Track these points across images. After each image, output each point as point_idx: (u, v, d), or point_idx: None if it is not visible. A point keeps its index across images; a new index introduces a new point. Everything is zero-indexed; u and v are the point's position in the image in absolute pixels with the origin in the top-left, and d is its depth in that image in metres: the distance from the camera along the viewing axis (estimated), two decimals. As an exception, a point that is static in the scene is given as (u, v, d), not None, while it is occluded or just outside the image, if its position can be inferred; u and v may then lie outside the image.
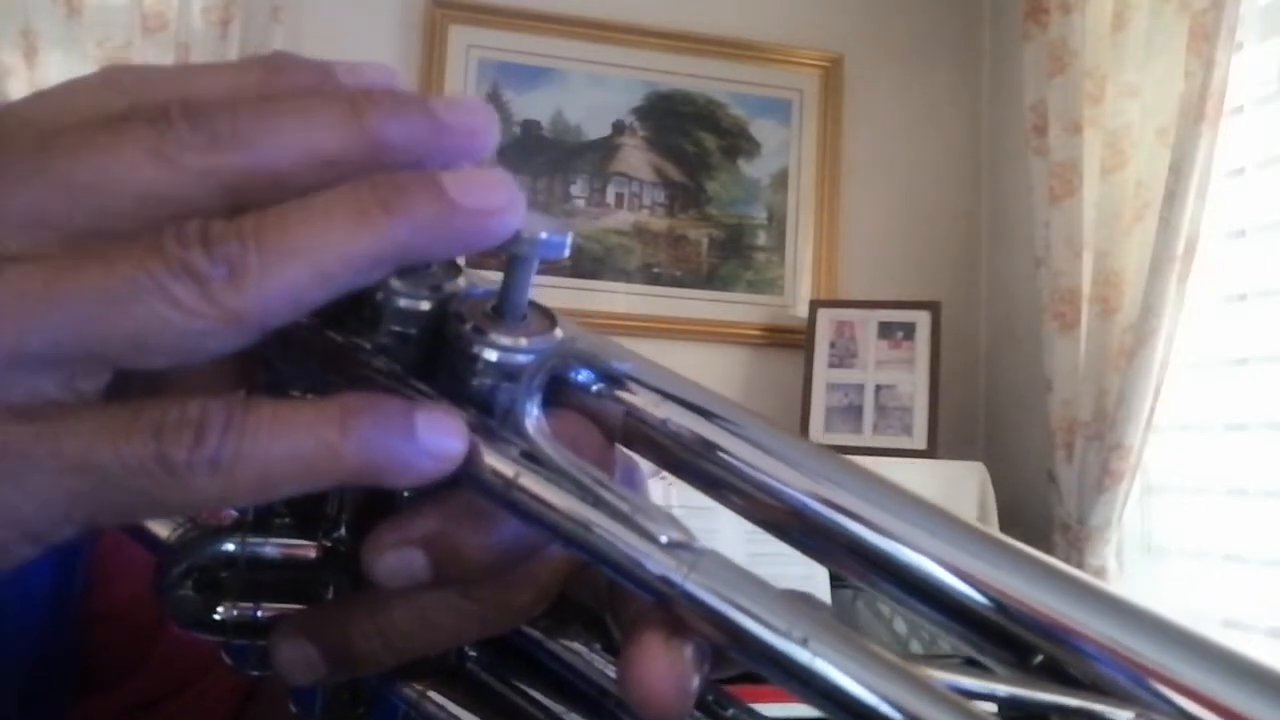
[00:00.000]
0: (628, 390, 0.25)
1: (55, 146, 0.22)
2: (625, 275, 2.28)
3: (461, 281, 0.26)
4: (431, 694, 0.29)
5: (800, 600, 0.21)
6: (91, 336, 0.21)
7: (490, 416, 0.25)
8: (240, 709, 0.56)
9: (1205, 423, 1.81)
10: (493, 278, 0.26)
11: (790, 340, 2.28)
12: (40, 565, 0.52)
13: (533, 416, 0.24)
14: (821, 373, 2.22)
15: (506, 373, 0.25)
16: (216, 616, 0.29)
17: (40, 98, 0.24)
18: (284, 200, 0.22)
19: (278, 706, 0.53)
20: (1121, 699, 0.19)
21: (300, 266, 0.21)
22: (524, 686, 0.30)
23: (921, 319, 2.20)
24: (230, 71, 0.25)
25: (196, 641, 0.55)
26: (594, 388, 0.26)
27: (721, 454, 0.24)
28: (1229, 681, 0.19)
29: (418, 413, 0.23)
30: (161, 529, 0.31)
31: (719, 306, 2.31)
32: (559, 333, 0.26)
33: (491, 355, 0.25)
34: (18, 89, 1.93)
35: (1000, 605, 0.21)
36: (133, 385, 0.22)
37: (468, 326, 0.25)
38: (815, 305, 2.28)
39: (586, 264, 2.25)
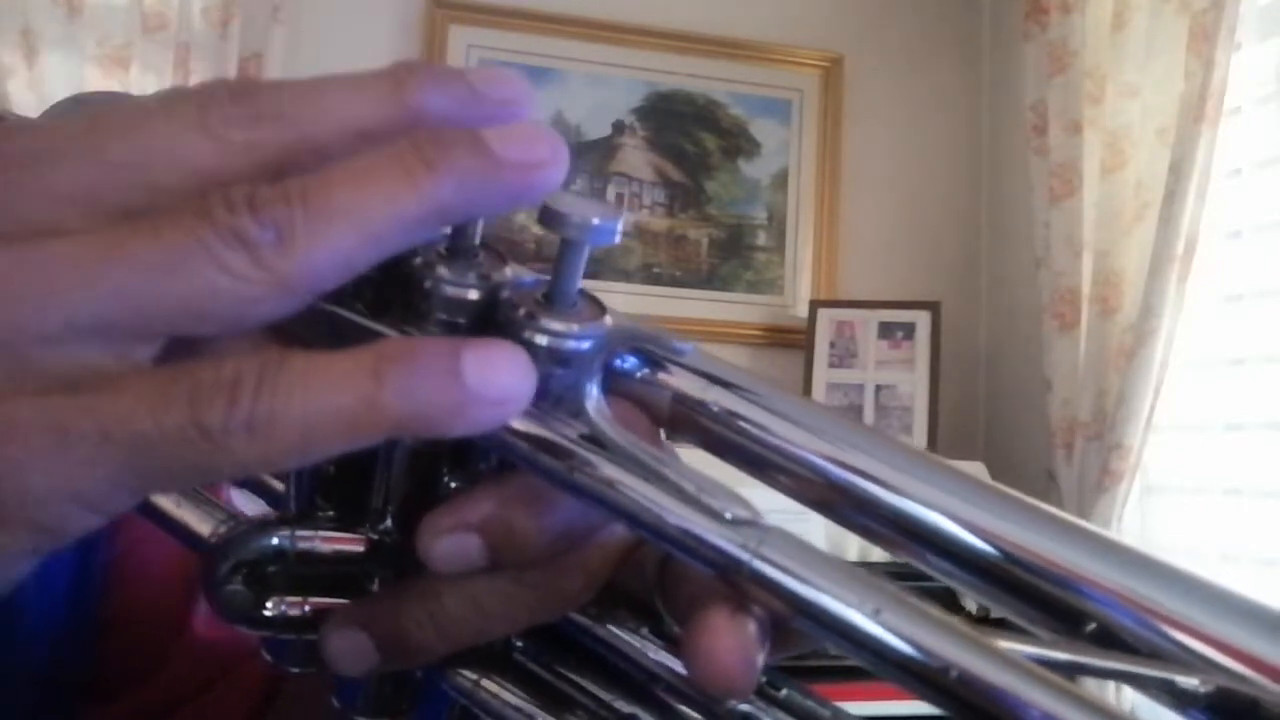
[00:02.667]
0: (674, 375, 0.26)
1: (106, 125, 0.22)
2: (625, 275, 2.28)
3: (509, 271, 0.26)
4: (485, 682, 0.29)
5: (869, 574, 0.22)
6: (142, 305, 0.21)
7: (545, 402, 0.25)
8: (257, 716, 0.55)
9: (1204, 423, 1.81)
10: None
11: (790, 340, 2.29)
12: (57, 568, 0.52)
13: (593, 398, 0.24)
14: (821, 373, 2.22)
15: (560, 358, 0.25)
16: (266, 612, 0.29)
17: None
18: None
19: (297, 713, 0.53)
20: (1180, 665, 0.20)
21: (348, 227, 0.21)
22: (572, 675, 0.30)
23: (921, 319, 2.21)
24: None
25: (213, 647, 0.55)
26: (639, 374, 0.26)
27: (768, 435, 0.24)
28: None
29: (465, 352, 0.22)
30: (202, 526, 0.31)
31: (719, 306, 2.31)
32: (609, 319, 0.26)
33: (545, 341, 0.25)
34: (18, 89, 1.92)
35: (1050, 575, 0.21)
36: (184, 357, 0.22)
37: (520, 313, 0.25)
38: (815, 305, 2.28)
39: (587, 264, 2.24)
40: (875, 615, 0.21)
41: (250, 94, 0.23)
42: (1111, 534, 0.22)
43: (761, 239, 2.37)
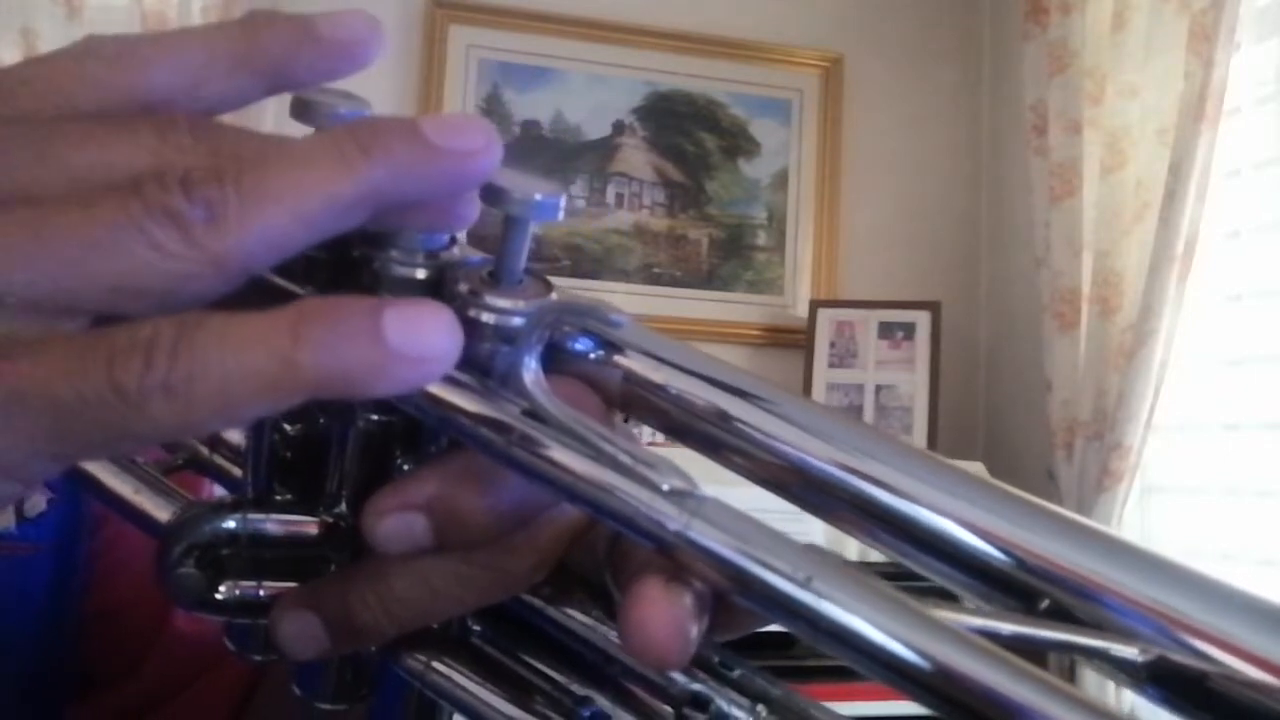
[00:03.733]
0: (626, 356, 0.25)
1: (62, 135, 0.22)
2: (625, 275, 2.28)
3: (457, 251, 0.26)
4: (436, 664, 0.29)
5: (806, 545, 0.21)
6: (72, 281, 0.21)
7: (489, 379, 0.25)
8: (239, 710, 0.55)
9: (1203, 423, 1.81)
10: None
11: (790, 340, 2.28)
12: (39, 562, 0.52)
13: (531, 371, 0.24)
14: (821, 373, 2.22)
15: (504, 336, 0.25)
16: (219, 595, 0.29)
17: (33, 63, 0.24)
18: None
19: (277, 705, 0.53)
20: (1125, 636, 0.20)
21: (280, 209, 0.21)
22: (528, 657, 0.30)
23: (921, 319, 2.21)
24: (208, 39, 0.24)
25: (196, 639, 0.55)
26: (592, 355, 0.26)
27: (722, 416, 0.24)
28: (1230, 616, 0.19)
29: (386, 310, 0.21)
30: (161, 512, 0.31)
31: (719, 306, 2.31)
32: (555, 296, 0.26)
33: (489, 318, 0.25)
34: (18, 88, 1.93)
35: (1006, 552, 0.21)
36: None
37: (464, 289, 0.25)
38: (815, 305, 2.28)
39: (586, 264, 2.25)
40: (807, 583, 0.20)
41: (213, 134, 0.23)
42: (1061, 510, 0.22)
43: (761, 239, 2.36)
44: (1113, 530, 0.21)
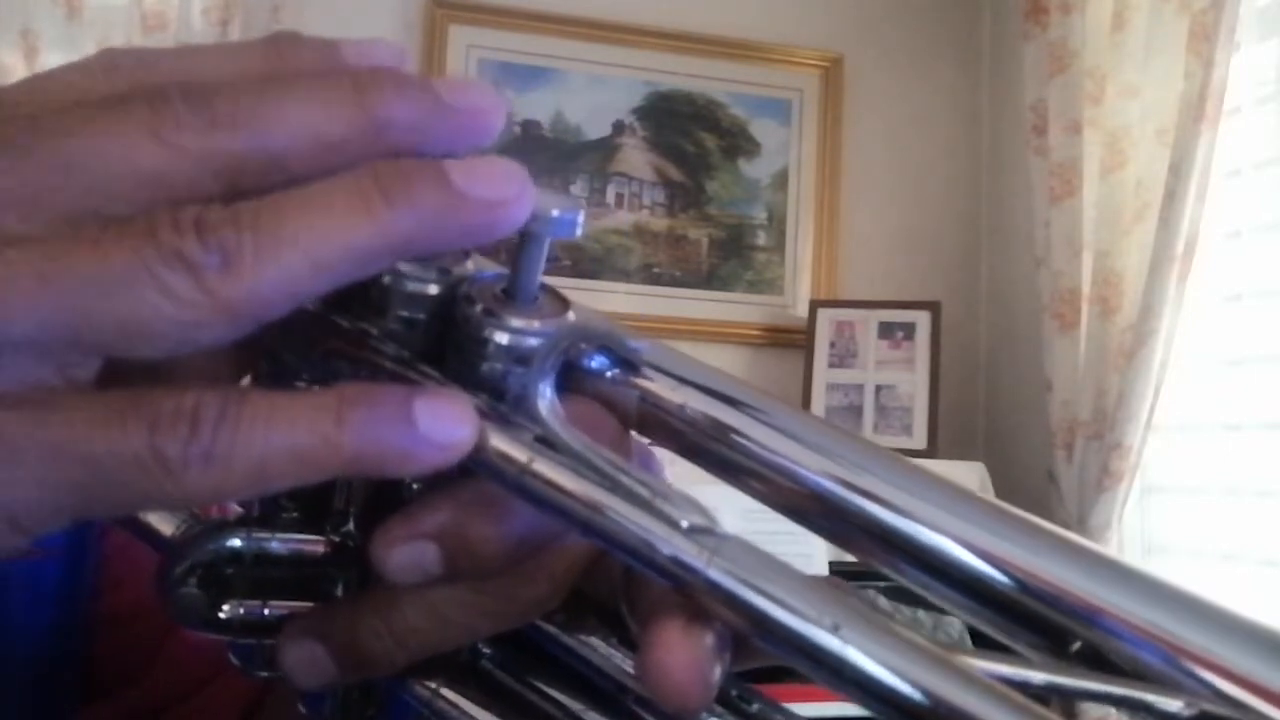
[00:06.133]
0: (643, 376, 0.25)
1: (49, 127, 0.21)
2: (625, 275, 2.27)
3: (470, 265, 0.25)
4: (445, 691, 0.29)
5: (830, 586, 0.21)
6: (82, 323, 0.20)
7: (502, 402, 0.24)
8: (248, 717, 0.55)
9: (1203, 423, 1.81)
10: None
11: (790, 340, 2.28)
12: (48, 567, 0.52)
13: (546, 398, 0.23)
14: (821, 373, 2.22)
15: (518, 356, 0.24)
16: (222, 615, 0.28)
17: (37, 79, 0.23)
18: (285, 184, 0.22)
19: (286, 713, 0.53)
20: (1165, 685, 0.19)
21: (297, 257, 0.21)
22: (539, 684, 0.29)
23: (921, 319, 2.20)
24: (232, 52, 0.24)
25: (204, 646, 0.55)
26: (608, 374, 0.25)
27: (740, 438, 0.23)
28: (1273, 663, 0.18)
29: (417, 401, 0.22)
30: (165, 525, 0.31)
31: (719, 306, 2.30)
32: (572, 316, 0.25)
33: (502, 338, 0.24)
34: (18, 89, 1.92)
35: (1030, 588, 0.21)
36: (130, 373, 0.22)
37: (478, 309, 0.24)
38: (815, 305, 2.27)
39: (586, 264, 2.25)
40: (835, 630, 0.20)
41: (205, 98, 0.22)
42: (1097, 547, 0.21)
43: (761, 239, 2.36)
44: (1155, 572, 0.20)
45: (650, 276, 2.29)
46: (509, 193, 0.22)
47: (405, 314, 0.24)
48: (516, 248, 0.24)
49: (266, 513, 0.29)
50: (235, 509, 0.34)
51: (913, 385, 2.17)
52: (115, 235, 0.20)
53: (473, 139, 0.24)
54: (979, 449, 2.35)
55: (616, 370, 0.25)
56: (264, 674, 0.31)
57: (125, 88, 0.22)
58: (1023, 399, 2.23)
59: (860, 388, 2.20)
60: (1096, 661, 0.20)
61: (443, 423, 0.22)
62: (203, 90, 0.22)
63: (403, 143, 0.23)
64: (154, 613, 0.53)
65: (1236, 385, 1.74)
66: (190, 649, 0.55)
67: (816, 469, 0.23)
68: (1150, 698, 0.19)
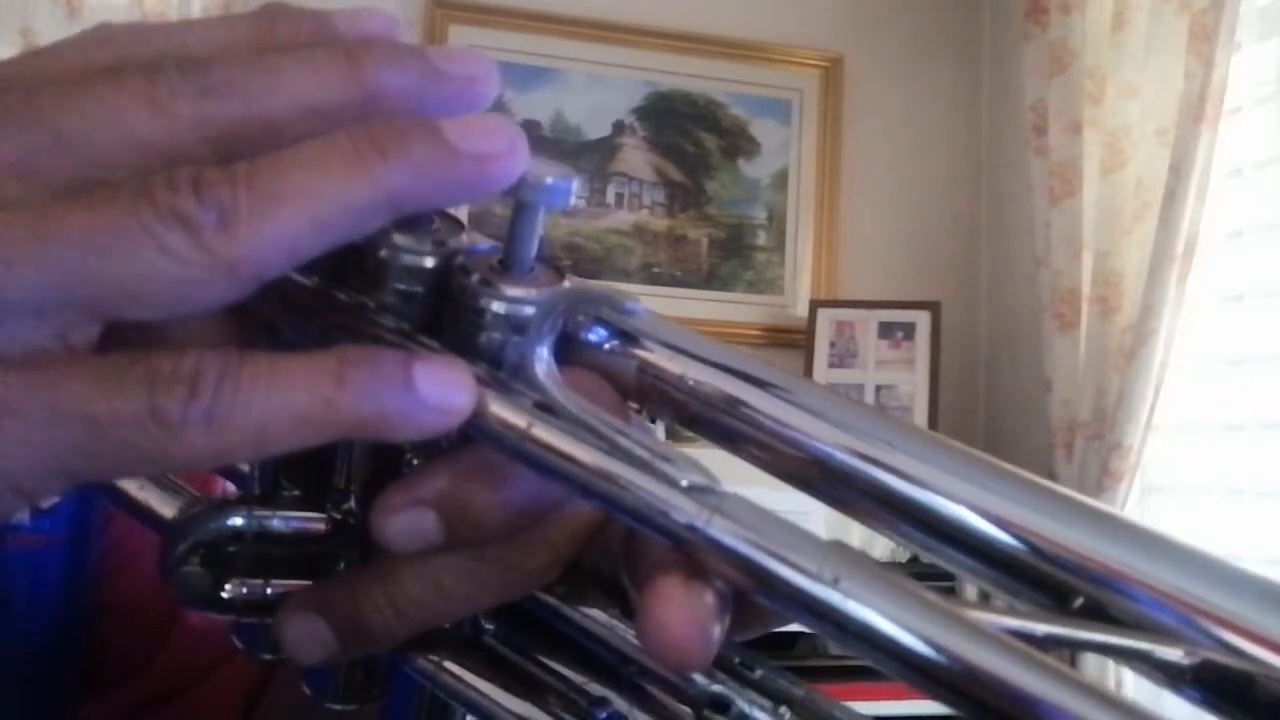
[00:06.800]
0: (641, 347, 0.25)
1: (46, 97, 0.21)
2: (625, 275, 2.27)
3: (465, 238, 0.26)
4: (448, 664, 0.29)
5: (831, 543, 0.21)
6: (79, 284, 0.20)
7: (500, 371, 0.24)
8: (251, 704, 0.55)
9: (1203, 423, 1.81)
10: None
11: (790, 340, 2.28)
12: (52, 554, 0.52)
13: (543, 362, 0.23)
14: (821, 373, 2.21)
15: (515, 325, 0.24)
16: (225, 594, 0.28)
17: (33, 54, 0.23)
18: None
19: (290, 701, 0.53)
20: (1167, 636, 0.19)
21: (294, 213, 0.21)
22: (541, 656, 0.29)
23: (921, 319, 2.21)
24: (225, 24, 0.24)
25: (209, 633, 0.54)
26: (607, 345, 0.25)
27: (741, 406, 0.23)
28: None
29: (416, 364, 0.22)
30: (167, 508, 0.31)
31: (719, 306, 2.30)
32: (567, 284, 0.25)
33: (499, 307, 0.24)
34: (17, 87, 1.92)
35: (1035, 548, 0.21)
36: (128, 339, 0.22)
37: (474, 279, 0.24)
38: (815, 305, 2.27)
39: (586, 264, 2.25)
40: (835, 584, 0.20)
41: (200, 66, 0.22)
42: (1094, 502, 0.21)
43: (761, 239, 2.36)
44: (1152, 526, 0.20)
45: (650, 276, 2.29)
46: (500, 146, 0.22)
47: (402, 287, 0.25)
48: (511, 218, 0.24)
49: (267, 491, 0.29)
50: (230, 487, 0.34)
51: (913, 385, 2.17)
52: (110, 195, 0.20)
53: (465, 106, 0.24)
54: (979, 449, 2.34)
55: (615, 342, 0.25)
56: (268, 656, 0.31)
57: (120, 59, 0.23)
58: (1022, 399, 2.23)
59: (860, 388, 2.20)
60: (1099, 617, 0.20)
61: (442, 387, 0.22)
62: (197, 60, 0.22)
63: (395, 110, 0.23)
64: (158, 601, 0.54)
65: (1237, 385, 1.74)
66: (194, 636, 0.55)
67: (820, 435, 0.23)
68: (1151, 647, 0.19)
